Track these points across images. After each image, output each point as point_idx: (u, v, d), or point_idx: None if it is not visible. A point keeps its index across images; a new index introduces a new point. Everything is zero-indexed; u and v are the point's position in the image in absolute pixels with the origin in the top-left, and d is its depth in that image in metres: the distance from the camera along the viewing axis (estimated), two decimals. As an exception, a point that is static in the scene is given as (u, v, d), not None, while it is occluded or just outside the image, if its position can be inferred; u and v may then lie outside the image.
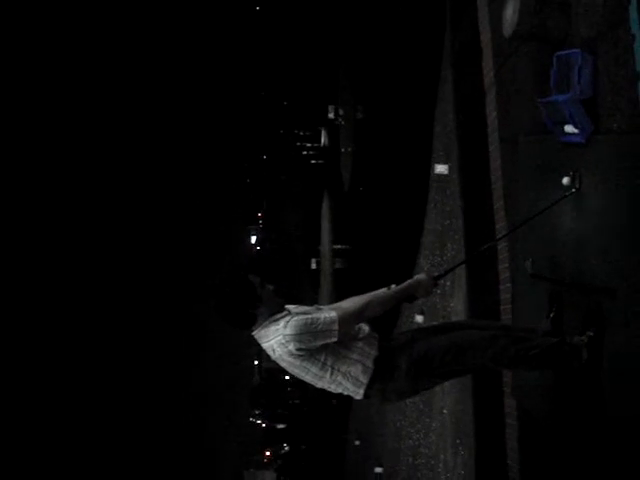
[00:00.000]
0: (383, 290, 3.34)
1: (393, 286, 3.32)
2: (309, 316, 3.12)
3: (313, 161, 48.83)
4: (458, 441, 6.79)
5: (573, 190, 3.57)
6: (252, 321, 3.19)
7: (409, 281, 3.29)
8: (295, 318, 3.10)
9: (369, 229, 18.21)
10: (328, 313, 3.14)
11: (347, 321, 3.14)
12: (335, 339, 3.09)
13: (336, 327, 3.07)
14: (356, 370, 3.17)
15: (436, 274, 3.46)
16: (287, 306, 3.31)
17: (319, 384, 3.28)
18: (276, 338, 3.11)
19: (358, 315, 3.19)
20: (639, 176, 2.97)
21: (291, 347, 3.07)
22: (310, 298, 37.45)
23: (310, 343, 3.08)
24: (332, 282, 31.49)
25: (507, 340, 3.26)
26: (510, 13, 4.01)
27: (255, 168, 65.24)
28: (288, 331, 3.06)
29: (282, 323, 3.11)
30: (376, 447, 15.01)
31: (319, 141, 38.82)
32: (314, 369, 3.17)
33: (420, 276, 3.32)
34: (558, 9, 3.80)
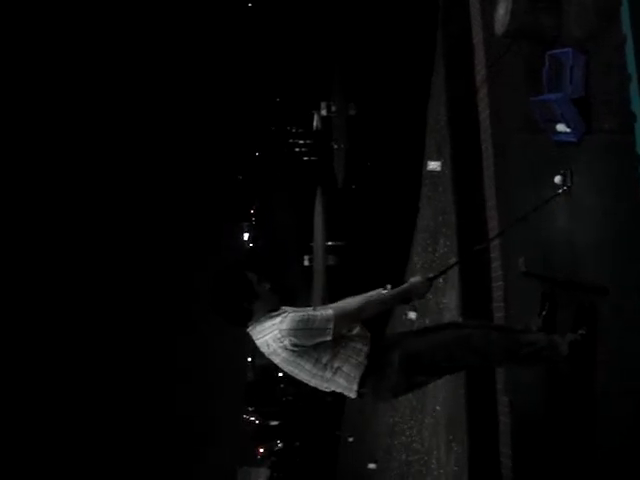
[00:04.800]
0: (379, 291, 3.35)
1: (389, 286, 3.33)
2: (306, 313, 3.15)
3: (306, 158, 48.81)
4: (451, 437, 6.80)
5: (564, 188, 3.59)
6: (248, 317, 3.20)
7: (405, 285, 3.30)
8: (292, 314, 3.13)
9: (362, 226, 18.24)
10: (325, 311, 3.16)
11: (343, 320, 3.16)
12: (329, 338, 3.10)
13: (331, 325, 3.09)
14: (349, 366, 3.18)
15: (431, 275, 3.45)
16: (283, 307, 3.33)
17: (312, 382, 3.29)
18: (272, 333, 3.13)
19: (354, 315, 3.22)
20: (630, 175, 2.99)
21: (286, 342, 3.09)
22: (303, 295, 37.45)
23: (305, 340, 3.09)
24: (325, 279, 31.51)
25: (499, 339, 3.27)
26: (502, 12, 4.01)
27: (248, 165, 65.11)
28: (284, 326, 3.08)
29: (279, 319, 3.13)
30: (369, 444, 15.05)
31: (311, 127, 38.61)
32: (308, 366, 3.18)
33: (416, 279, 3.32)
34: (550, 8, 3.80)
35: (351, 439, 20.30)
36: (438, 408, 7.63)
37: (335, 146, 30.70)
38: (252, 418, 71.45)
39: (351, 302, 3.31)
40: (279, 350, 3.14)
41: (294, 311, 3.20)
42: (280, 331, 3.09)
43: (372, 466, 13.36)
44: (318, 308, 3.35)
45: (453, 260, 6.77)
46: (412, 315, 8.58)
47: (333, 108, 30.68)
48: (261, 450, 68.44)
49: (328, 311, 3.15)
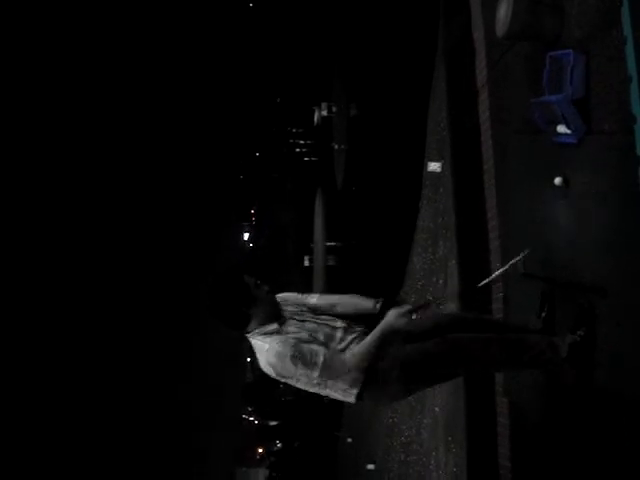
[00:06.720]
0: (371, 302, 3.30)
1: (381, 301, 3.27)
2: (303, 349, 2.97)
3: (306, 158, 48.83)
4: (450, 438, 6.80)
5: (564, 189, 3.58)
6: (246, 321, 3.10)
7: (381, 325, 3.05)
8: (279, 349, 2.97)
9: (362, 226, 18.24)
10: (331, 356, 2.98)
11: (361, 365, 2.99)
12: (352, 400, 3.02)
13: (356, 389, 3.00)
14: (344, 384, 3.02)
15: (407, 308, 3.13)
16: (277, 295, 3.26)
17: (310, 390, 3.20)
18: (261, 356, 3.04)
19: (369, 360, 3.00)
20: (630, 176, 2.99)
21: (273, 374, 3.02)
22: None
23: (294, 371, 2.97)
24: (324, 279, 31.50)
25: (499, 346, 3.23)
26: (503, 13, 4.01)
27: (248, 165, 65.18)
28: (271, 359, 2.98)
29: (267, 345, 3.01)
30: (368, 444, 15.05)
31: (312, 127, 38.58)
32: (300, 385, 3.06)
33: (390, 315, 3.07)
34: (551, 9, 3.81)
35: (350, 440, 20.30)
36: (437, 409, 7.63)
37: (335, 147, 30.71)
38: (251, 418, 71.44)
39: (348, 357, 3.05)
40: (271, 372, 3.05)
41: (287, 334, 3.04)
42: (267, 362, 3.00)
43: (371, 467, 13.36)
44: (308, 296, 3.34)
45: (451, 257, 6.78)
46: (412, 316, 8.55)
47: (334, 108, 30.68)
48: (260, 450, 68.43)
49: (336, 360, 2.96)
